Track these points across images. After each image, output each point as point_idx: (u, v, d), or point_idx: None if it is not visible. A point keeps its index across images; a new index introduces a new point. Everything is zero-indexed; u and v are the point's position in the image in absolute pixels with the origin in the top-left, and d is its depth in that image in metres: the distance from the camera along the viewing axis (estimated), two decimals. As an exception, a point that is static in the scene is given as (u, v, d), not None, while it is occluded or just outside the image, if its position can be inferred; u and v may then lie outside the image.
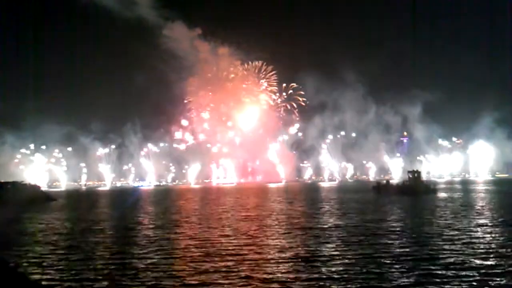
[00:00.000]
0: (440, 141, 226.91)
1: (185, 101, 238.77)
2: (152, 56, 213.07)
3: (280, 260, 20.85)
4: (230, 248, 24.52)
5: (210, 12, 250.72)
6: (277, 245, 25.37)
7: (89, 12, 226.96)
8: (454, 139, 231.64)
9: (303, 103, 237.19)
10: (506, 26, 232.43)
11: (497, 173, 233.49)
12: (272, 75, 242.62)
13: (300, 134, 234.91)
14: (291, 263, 20.16)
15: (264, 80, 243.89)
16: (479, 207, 47.72)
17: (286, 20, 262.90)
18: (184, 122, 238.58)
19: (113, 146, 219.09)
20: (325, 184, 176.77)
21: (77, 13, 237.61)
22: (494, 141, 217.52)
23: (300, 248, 24.04)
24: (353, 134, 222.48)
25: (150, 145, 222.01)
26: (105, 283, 17.75)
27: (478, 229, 30.29)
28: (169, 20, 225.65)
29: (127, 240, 28.49)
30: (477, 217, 37.90)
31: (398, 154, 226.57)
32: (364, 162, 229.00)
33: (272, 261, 20.83)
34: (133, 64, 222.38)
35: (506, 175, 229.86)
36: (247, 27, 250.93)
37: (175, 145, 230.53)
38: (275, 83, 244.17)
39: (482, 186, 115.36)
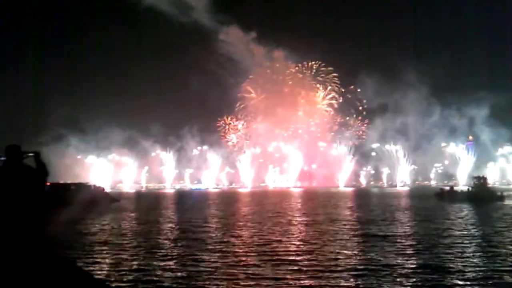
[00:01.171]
0: (508, 146, 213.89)
1: (241, 105, 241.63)
2: (209, 60, 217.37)
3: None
4: (289, 253, 24.32)
5: (265, 16, 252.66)
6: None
7: (148, 17, 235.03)
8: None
9: (362, 106, 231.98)
10: None
11: None
12: (330, 76, 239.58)
13: (359, 137, 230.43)
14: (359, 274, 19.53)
15: (322, 82, 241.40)
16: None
17: (341, 21, 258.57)
18: (240, 126, 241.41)
19: (172, 150, 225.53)
20: (385, 190, 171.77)
21: (137, 18, 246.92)
22: None
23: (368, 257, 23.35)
24: (416, 138, 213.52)
25: (206, 148, 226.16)
26: (165, 283, 18.17)
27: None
28: (224, 25, 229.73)
29: (185, 243, 29.02)
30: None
31: (463, 159, 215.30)
32: (427, 167, 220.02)
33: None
34: (190, 69, 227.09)
35: None
36: (301, 30, 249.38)
37: (232, 149, 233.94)
38: (333, 85, 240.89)
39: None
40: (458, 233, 32.59)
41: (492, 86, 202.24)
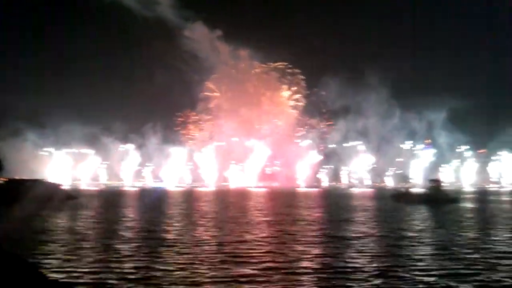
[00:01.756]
0: (462, 150, 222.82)
1: (205, 103, 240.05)
2: (173, 57, 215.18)
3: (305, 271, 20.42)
4: (252, 254, 24.36)
5: (231, 14, 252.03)
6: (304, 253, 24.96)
7: (111, 11, 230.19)
8: (478, 149, 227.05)
9: (326, 108, 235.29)
10: None
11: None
12: (296, 77, 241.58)
13: (322, 138, 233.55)
14: (316, 274, 19.69)
15: (287, 83, 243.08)
16: (498, 218, 46.58)
17: (307, 23, 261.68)
18: (205, 124, 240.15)
19: (133, 147, 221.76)
20: (344, 191, 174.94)
21: (100, 12, 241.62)
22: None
23: (327, 258, 23.62)
24: (376, 139, 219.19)
25: (169, 146, 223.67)
26: (119, 283, 17.76)
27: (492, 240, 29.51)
28: (189, 21, 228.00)
29: (143, 243, 28.46)
30: (495, 228, 36.94)
31: (420, 162, 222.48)
32: (386, 168, 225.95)
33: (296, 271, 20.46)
34: (154, 65, 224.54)
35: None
36: (268, 30, 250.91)
37: (194, 147, 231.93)
38: (298, 87, 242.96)
39: (505, 197, 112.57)
40: (413, 234, 33.55)
41: (451, 91, 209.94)
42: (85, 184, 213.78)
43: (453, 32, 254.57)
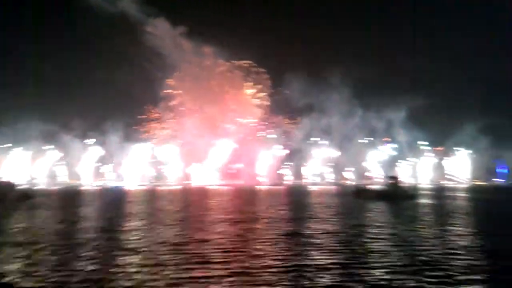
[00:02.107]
0: (421, 147, 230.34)
1: (168, 101, 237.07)
2: (135, 53, 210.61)
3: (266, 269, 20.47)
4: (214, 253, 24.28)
5: (195, 10, 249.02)
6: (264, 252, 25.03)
7: (70, 7, 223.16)
8: (436, 146, 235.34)
9: (290, 106, 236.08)
10: (492, 36, 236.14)
11: (476, 180, 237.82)
12: (260, 76, 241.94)
13: (286, 137, 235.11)
14: (277, 272, 19.79)
15: (252, 81, 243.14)
16: (453, 214, 48.36)
17: (273, 21, 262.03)
18: (167, 122, 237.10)
19: (94, 145, 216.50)
20: (306, 188, 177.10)
21: (58, 8, 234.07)
22: (476, 149, 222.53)
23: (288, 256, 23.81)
24: (338, 138, 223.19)
25: (131, 144, 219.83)
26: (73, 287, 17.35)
27: (448, 235, 30.65)
28: (151, 16, 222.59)
29: (102, 243, 27.91)
30: (451, 223, 38.35)
31: (379, 159, 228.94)
32: (347, 165, 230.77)
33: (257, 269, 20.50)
34: (115, 61, 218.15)
35: (484, 183, 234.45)
36: (232, 27, 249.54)
37: (156, 145, 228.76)
38: (263, 85, 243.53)
39: (461, 193, 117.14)
40: (374, 230, 34.36)
41: (410, 91, 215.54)
42: (43, 183, 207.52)
43: (412, 33, 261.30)
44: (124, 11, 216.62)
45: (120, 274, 19.07)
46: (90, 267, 20.41)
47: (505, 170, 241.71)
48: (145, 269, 20.05)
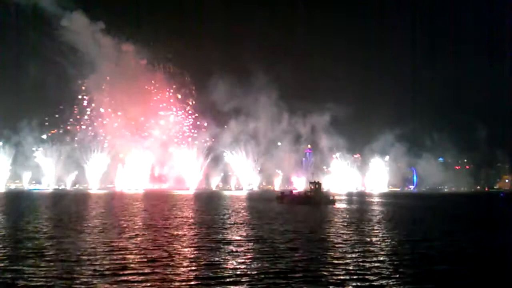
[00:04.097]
0: (340, 154, 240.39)
1: (86, 100, 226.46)
2: (49, 48, 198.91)
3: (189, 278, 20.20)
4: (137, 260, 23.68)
5: (115, 6, 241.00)
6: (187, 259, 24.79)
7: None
8: (354, 153, 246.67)
9: (215, 109, 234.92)
10: (414, 45, 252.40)
11: (391, 187, 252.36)
12: (184, 78, 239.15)
13: (210, 141, 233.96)
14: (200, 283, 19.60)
15: (175, 82, 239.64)
16: (366, 218, 51.03)
17: (196, 21, 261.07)
18: (85, 122, 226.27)
19: (7, 144, 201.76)
20: (231, 193, 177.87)
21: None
22: (393, 156, 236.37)
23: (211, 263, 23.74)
24: (265, 143, 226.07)
25: (47, 145, 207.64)
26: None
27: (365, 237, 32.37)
28: (67, 10, 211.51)
29: (15, 252, 26.20)
30: (366, 226, 40.45)
31: (302, 165, 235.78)
32: (272, 171, 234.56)
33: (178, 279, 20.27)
34: (28, 55, 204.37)
35: (398, 189, 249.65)
36: (154, 26, 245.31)
37: (75, 146, 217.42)
38: (186, 87, 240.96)
39: (377, 198, 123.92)
40: (296, 235, 35.34)
41: (333, 98, 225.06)
42: None
43: (332, 43, 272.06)
44: (37, 3, 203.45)
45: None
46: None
47: (415, 178, 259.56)
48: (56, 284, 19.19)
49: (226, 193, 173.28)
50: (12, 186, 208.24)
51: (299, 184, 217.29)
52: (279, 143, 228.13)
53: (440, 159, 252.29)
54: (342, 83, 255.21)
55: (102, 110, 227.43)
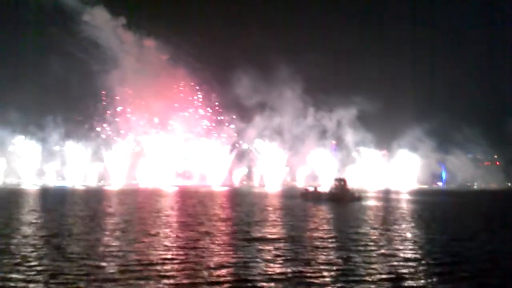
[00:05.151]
0: (367, 149, 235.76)
1: (109, 96, 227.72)
2: (72, 44, 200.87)
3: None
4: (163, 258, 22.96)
5: (135, 1, 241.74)
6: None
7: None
8: (380, 150, 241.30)
9: (240, 104, 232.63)
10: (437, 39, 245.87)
11: (418, 183, 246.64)
12: (206, 71, 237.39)
13: (234, 136, 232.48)
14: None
15: (198, 77, 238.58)
16: (395, 217, 49.43)
17: (218, 16, 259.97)
18: (109, 118, 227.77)
19: (33, 141, 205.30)
20: (256, 190, 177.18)
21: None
22: (421, 152, 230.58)
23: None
24: (290, 138, 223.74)
25: (72, 141, 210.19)
26: None
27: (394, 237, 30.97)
28: (88, 5, 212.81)
29: (40, 250, 25.89)
30: (394, 225, 38.97)
31: (327, 161, 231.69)
32: (296, 167, 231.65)
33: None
34: (50, 52, 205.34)
35: (426, 186, 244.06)
36: (176, 21, 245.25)
37: (100, 143, 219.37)
38: (209, 82, 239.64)
39: (405, 195, 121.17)
40: (325, 233, 34.21)
41: (360, 92, 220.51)
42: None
43: (365, 36, 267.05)
44: None
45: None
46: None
47: (444, 174, 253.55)
48: (91, 278, 18.63)
49: (250, 189, 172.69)
50: (39, 183, 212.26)
51: (324, 181, 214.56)
52: (303, 138, 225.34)
53: (469, 155, 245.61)
54: (370, 76, 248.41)
55: (125, 106, 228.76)
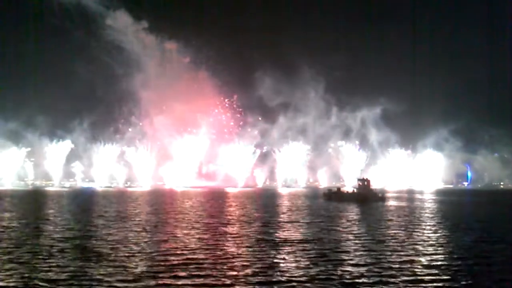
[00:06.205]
0: (391, 149, 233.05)
1: (133, 99, 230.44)
2: (96, 48, 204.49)
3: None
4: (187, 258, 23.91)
5: (157, 4, 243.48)
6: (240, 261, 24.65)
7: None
8: (405, 149, 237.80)
9: (263, 105, 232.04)
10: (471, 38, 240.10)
11: (444, 183, 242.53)
12: (228, 73, 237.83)
13: (257, 137, 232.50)
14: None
15: (220, 79, 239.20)
16: (422, 217, 49.32)
17: (238, 16, 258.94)
18: (134, 121, 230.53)
19: (61, 144, 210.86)
20: (279, 190, 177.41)
21: (15, 2, 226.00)
22: (447, 152, 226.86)
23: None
24: (313, 138, 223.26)
25: (99, 144, 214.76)
26: None
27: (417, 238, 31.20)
28: (110, 9, 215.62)
29: (64, 253, 27.16)
30: (420, 226, 39.05)
31: (350, 161, 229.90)
32: (319, 167, 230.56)
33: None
34: (75, 56, 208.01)
35: (451, 186, 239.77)
36: (197, 23, 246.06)
37: (125, 145, 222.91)
38: (230, 84, 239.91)
39: (430, 195, 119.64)
40: (349, 235, 34.69)
41: (383, 92, 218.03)
42: (10, 184, 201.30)
43: (383, 35, 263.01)
44: (81, 3, 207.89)
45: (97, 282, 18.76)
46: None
47: (470, 174, 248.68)
48: (123, 278, 19.73)
49: (273, 190, 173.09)
50: (67, 184, 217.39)
51: (348, 181, 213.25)
52: (327, 138, 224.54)
53: (496, 154, 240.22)
54: (395, 75, 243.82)
55: (149, 109, 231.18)
